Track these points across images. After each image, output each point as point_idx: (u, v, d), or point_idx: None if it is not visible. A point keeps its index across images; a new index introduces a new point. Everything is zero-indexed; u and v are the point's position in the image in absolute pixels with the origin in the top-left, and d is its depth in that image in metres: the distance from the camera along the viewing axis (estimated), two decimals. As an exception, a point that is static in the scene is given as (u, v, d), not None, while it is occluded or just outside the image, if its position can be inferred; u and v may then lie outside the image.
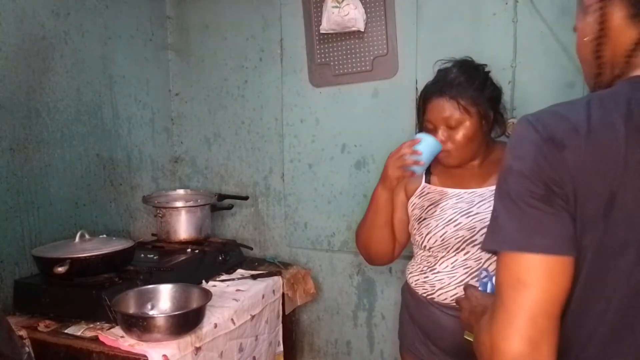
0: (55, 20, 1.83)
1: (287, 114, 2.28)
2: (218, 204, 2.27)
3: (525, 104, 1.88)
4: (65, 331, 1.50)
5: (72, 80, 1.90)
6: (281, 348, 2.07)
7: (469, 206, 1.45)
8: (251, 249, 2.32)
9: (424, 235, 1.49)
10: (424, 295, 1.50)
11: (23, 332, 1.42)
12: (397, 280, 2.17)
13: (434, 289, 1.47)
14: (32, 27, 1.75)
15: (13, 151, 1.68)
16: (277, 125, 2.31)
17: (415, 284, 1.53)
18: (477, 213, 1.43)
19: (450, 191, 1.51)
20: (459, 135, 1.42)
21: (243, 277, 2.00)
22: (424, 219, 1.51)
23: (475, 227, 1.42)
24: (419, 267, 1.54)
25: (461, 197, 1.48)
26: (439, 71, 1.52)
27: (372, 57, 2.09)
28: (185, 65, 2.45)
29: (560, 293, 0.71)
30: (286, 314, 2.11)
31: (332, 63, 2.15)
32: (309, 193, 2.28)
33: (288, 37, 2.23)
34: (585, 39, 0.82)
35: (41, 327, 1.52)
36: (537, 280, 0.70)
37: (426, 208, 1.52)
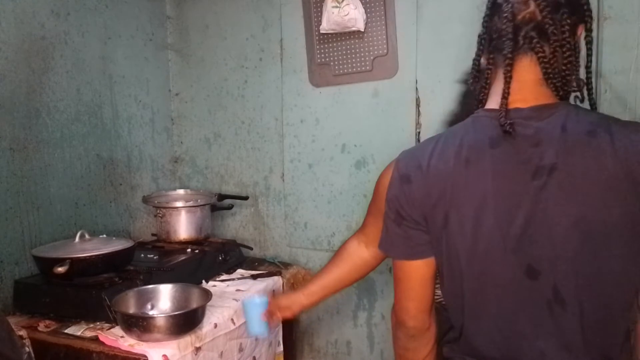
0: (55, 20, 1.83)
1: (287, 114, 2.28)
2: (218, 204, 2.27)
3: (525, 104, 1.87)
4: (65, 331, 1.49)
5: (72, 80, 1.90)
6: (281, 348, 2.07)
7: None
8: (251, 249, 2.32)
9: None
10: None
11: (23, 332, 1.42)
12: (397, 280, 2.17)
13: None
14: (32, 27, 1.75)
15: (13, 151, 1.68)
16: (277, 125, 2.31)
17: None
18: None
19: None
20: None
21: (243, 277, 2.00)
22: None
23: None
24: None
25: None
26: None
27: (372, 57, 2.09)
28: (185, 65, 2.45)
29: (413, 282, 1.02)
30: (286, 314, 2.11)
31: (332, 63, 2.15)
32: (309, 193, 2.28)
33: (288, 37, 2.23)
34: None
35: (41, 327, 1.52)
36: (401, 275, 1.04)
37: None
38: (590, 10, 0.92)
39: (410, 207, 0.97)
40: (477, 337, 0.98)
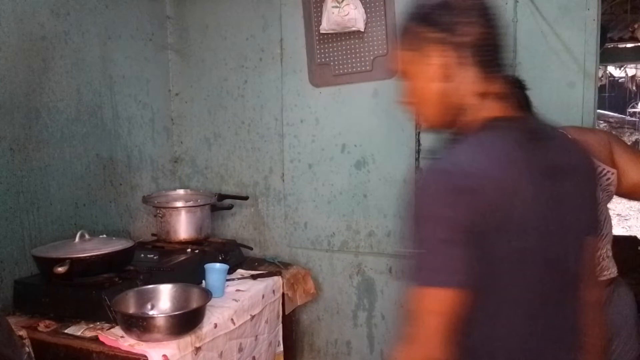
0: (55, 20, 1.83)
1: (287, 114, 2.28)
2: (218, 204, 2.27)
3: (525, 104, 1.88)
4: (65, 331, 1.50)
5: (72, 80, 1.90)
6: (281, 348, 2.07)
7: None
8: (251, 249, 2.32)
9: None
10: None
11: (23, 332, 1.42)
12: (397, 280, 2.17)
13: None
14: (32, 27, 1.75)
15: (13, 151, 1.68)
16: (277, 125, 2.31)
17: None
18: None
19: None
20: None
21: (243, 277, 2.00)
22: None
23: None
24: None
25: None
26: None
27: (372, 57, 2.09)
28: (185, 65, 2.45)
29: (450, 316, 0.85)
30: (286, 314, 2.11)
31: (332, 63, 2.15)
32: (309, 193, 2.28)
33: (288, 37, 2.23)
34: (431, 84, 0.95)
35: (41, 327, 1.52)
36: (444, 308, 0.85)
37: None
38: None
39: (473, 223, 0.84)
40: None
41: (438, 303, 0.85)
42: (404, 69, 1.00)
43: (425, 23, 0.94)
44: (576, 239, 0.95)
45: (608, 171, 1.38)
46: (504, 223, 0.85)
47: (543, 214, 0.89)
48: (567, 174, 0.92)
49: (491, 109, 0.93)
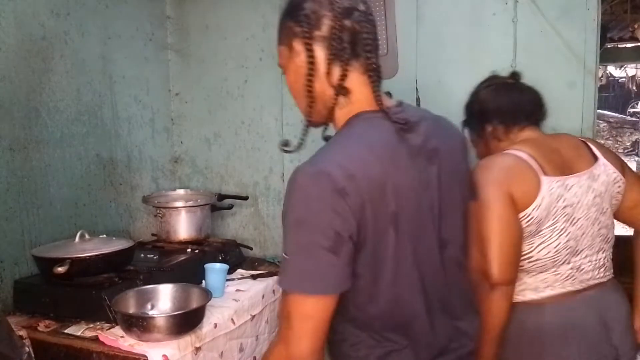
0: (55, 20, 1.83)
1: (287, 114, 2.28)
2: (218, 204, 2.27)
3: (525, 104, 1.87)
4: (65, 331, 1.50)
5: (72, 80, 1.90)
6: (281, 348, 2.07)
7: None
8: (251, 249, 2.31)
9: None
10: None
11: (23, 332, 1.42)
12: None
13: None
14: (32, 27, 1.75)
15: (13, 151, 1.68)
16: (277, 125, 2.31)
17: None
18: None
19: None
20: None
21: (243, 277, 2.00)
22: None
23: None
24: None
25: None
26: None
27: (372, 57, 2.09)
28: (185, 65, 2.45)
29: (327, 317, 0.87)
30: (286, 314, 2.10)
31: (332, 63, 2.15)
32: (309, 193, 2.28)
33: (288, 37, 2.23)
34: (300, 78, 0.95)
35: (41, 327, 1.52)
36: (314, 312, 0.87)
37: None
38: None
39: (350, 225, 0.83)
40: (439, 329, 0.96)
41: (303, 308, 0.85)
42: (280, 64, 1.01)
43: (290, 18, 0.95)
44: (460, 211, 0.99)
45: (620, 179, 1.38)
46: (378, 217, 0.85)
47: (426, 199, 0.91)
48: (440, 155, 0.94)
49: (359, 103, 0.93)
